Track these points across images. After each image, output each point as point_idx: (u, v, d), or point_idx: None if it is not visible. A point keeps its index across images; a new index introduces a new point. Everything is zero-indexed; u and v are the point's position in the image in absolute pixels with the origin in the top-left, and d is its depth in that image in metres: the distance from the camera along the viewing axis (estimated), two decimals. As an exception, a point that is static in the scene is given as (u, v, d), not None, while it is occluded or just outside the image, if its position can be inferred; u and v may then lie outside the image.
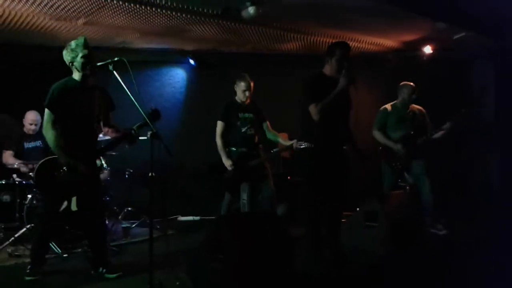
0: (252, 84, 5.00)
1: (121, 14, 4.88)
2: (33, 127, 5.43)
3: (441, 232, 5.34)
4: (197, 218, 6.54)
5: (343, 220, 4.89)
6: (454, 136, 5.50)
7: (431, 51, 6.47)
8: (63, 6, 4.58)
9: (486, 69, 6.83)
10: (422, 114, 5.61)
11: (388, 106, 5.65)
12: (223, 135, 4.98)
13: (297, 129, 4.39)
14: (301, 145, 4.25)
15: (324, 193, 4.22)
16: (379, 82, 6.97)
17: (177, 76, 7.11)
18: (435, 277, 3.85)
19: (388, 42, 6.37)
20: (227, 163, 4.86)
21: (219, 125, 4.99)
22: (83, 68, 3.74)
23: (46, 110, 3.75)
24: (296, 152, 4.44)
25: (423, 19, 5.36)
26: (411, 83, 5.55)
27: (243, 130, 4.97)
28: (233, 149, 4.97)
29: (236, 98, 5.05)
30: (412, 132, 5.46)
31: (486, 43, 6.27)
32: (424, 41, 6.35)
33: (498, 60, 6.58)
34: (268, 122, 5.15)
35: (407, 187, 5.54)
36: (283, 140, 5.00)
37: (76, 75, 3.82)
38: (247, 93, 4.98)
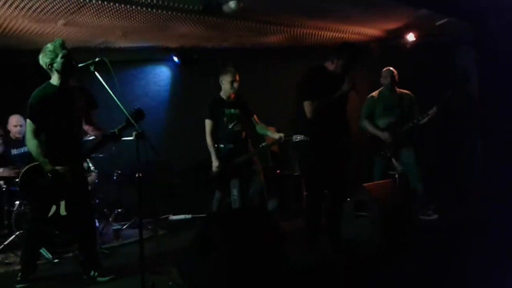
0: (238, 75, 4.94)
1: (101, 14, 4.81)
2: (18, 128, 5.33)
3: (432, 217, 5.38)
4: (189, 216, 6.51)
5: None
6: (440, 120, 5.54)
7: (414, 39, 6.49)
8: (42, 7, 4.50)
9: (470, 52, 6.87)
10: (410, 99, 5.63)
11: (374, 93, 5.69)
12: (212, 133, 4.93)
13: (284, 122, 4.40)
14: (296, 138, 4.25)
15: (323, 185, 4.25)
16: (364, 71, 6.98)
17: (161, 74, 7.06)
18: (429, 265, 3.87)
19: (371, 31, 6.37)
20: (215, 163, 4.83)
21: (208, 123, 4.93)
22: (64, 68, 3.66)
23: (28, 121, 3.70)
24: (293, 145, 4.42)
25: (405, 6, 5.37)
26: (390, 68, 5.59)
27: (230, 126, 4.94)
28: (221, 146, 4.95)
29: (221, 94, 5.01)
30: (398, 120, 5.49)
31: (468, 29, 6.30)
32: (407, 29, 6.36)
33: (480, 45, 6.62)
34: (255, 116, 5.12)
35: (396, 175, 5.58)
36: (271, 133, 4.99)
37: (55, 79, 3.74)
38: (235, 84, 4.90)
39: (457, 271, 3.66)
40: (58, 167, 3.65)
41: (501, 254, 3.84)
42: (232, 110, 4.98)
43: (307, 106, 4.10)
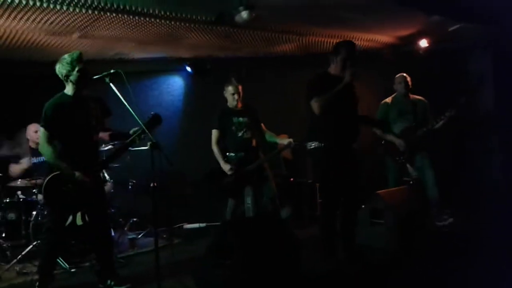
0: (240, 87, 5.03)
1: (115, 26, 4.88)
2: (38, 134, 5.43)
3: (447, 222, 5.34)
4: (203, 225, 6.53)
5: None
6: (454, 125, 5.50)
7: (427, 45, 6.47)
8: (57, 21, 4.58)
9: (483, 58, 6.83)
10: (424, 104, 5.61)
11: (388, 99, 5.70)
12: (218, 143, 5.00)
13: (297, 130, 4.38)
14: (311, 145, 4.27)
15: (337, 191, 4.25)
16: (377, 77, 6.97)
17: (175, 84, 7.12)
18: (444, 272, 3.84)
19: (384, 37, 6.37)
20: (225, 167, 4.87)
21: (214, 133, 5.03)
22: (79, 81, 3.72)
23: (41, 129, 3.75)
24: (308, 152, 4.41)
25: (417, 13, 5.36)
26: (403, 74, 5.59)
27: (239, 134, 4.99)
28: (232, 154, 4.99)
29: (228, 103, 5.07)
30: (413, 125, 5.47)
31: (482, 33, 6.26)
32: (420, 35, 6.35)
33: (495, 48, 6.57)
34: (262, 124, 5.16)
35: (411, 181, 5.54)
36: (280, 139, 5.03)
37: (70, 89, 3.78)
38: (236, 97, 5.00)
39: (473, 277, 3.62)
40: (76, 172, 3.68)
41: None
42: (240, 119, 5.02)
43: (314, 103, 4.11)
